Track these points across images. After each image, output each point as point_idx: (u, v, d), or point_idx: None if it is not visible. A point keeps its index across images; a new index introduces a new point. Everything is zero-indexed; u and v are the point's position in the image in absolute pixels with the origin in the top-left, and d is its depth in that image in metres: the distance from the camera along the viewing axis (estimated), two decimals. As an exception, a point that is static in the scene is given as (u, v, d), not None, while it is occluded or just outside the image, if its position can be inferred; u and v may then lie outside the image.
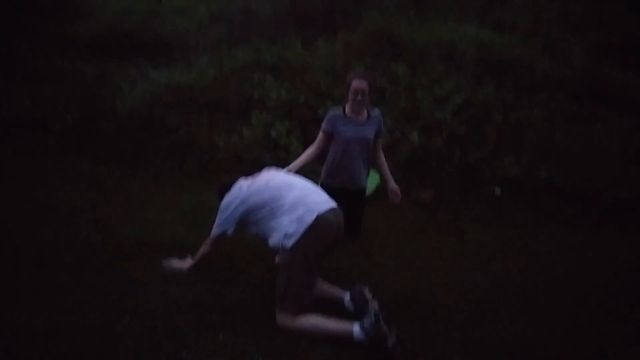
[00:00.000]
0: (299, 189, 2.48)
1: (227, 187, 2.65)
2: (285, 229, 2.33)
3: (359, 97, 2.95)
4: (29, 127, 6.01)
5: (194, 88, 6.50)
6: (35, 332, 2.06)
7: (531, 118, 4.93)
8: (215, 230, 2.60)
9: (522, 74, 5.84)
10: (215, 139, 5.48)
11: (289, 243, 2.31)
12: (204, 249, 2.71)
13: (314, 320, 2.24)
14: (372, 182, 4.59)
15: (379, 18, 7.18)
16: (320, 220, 2.31)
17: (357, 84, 2.95)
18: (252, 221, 2.53)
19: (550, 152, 4.72)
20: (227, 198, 2.60)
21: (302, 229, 2.29)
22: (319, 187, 2.75)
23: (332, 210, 2.40)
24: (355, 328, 2.15)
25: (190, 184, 4.83)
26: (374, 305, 2.30)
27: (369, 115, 3.08)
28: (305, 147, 4.46)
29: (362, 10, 8.54)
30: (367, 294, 2.38)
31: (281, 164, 3.45)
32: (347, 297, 2.49)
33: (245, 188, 2.57)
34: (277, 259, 2.88)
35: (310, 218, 2.30)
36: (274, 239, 2.43)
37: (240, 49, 7.63)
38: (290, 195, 2.42)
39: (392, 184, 3.17)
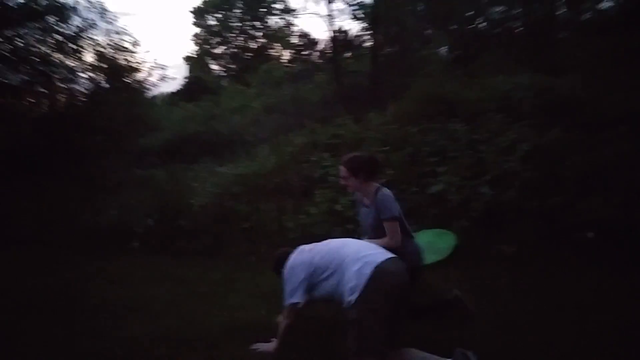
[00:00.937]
0: (355, 246, 2.58)
1: (282, 260, 2.81)
2: (347, 284, 2.37)
3: (341, 183, 3.04)
4: (117, 233, 6.50)
5: (258, 176, 6.82)
6: None
7: (611, 155, 4.62)
8: (287, 300, 2.66)
9: (589, 112, 5.61)
10: (284, 221, 5.61)
11: (353, 298, 2.32)
12: (282, 324, 2.74)
13: None
14: (448, 242, 4.43)
15: (427, 83, 7.35)
16: (379, 271, 2.33)
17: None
18: (316, 283, 2.60)
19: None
20: (290, 263, 2.73)
21: (363, 282, 2.31)
22: None
23: (390, 259, 2.43)
24: None
25: (266, 266, 4.87)
26: None
27: (375, 197, 2.97)
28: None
29: (407, 79, 8.80)
30: (472, 357, 2.26)
31: (351, 235, 3.47)
32: None
33: (307, 251, 2.72)
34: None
35: (368, 270, 2.33)
36: (337, 296, 2.47)
37: (296, 133, 8.02)
38: (348, 252, 2.50)
39: None
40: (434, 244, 4.48)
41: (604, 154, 4.67)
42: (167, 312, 3.79)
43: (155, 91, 14.15)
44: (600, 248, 4.01)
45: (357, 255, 2.44)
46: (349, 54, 14.41)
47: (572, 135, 5.09)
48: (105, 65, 11.07)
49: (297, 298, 2.60)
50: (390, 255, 2.47)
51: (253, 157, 7.95)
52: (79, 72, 10.81)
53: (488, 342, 2.77)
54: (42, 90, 10.52)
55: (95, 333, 3.31)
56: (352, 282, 2.34)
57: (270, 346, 2.81)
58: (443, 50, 14.70)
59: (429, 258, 4.27)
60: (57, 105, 10.84)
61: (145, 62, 11.97)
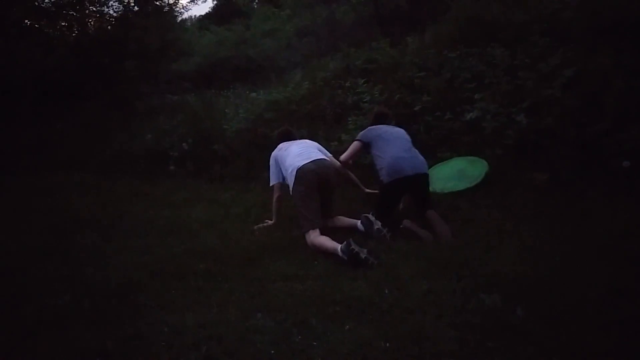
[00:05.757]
0: (299, 150, 3.74)
1: (280, 136, 4.22)
2: (287, 180, 3.67)
3: None
4: (153, 156, 6.78)
5: (291, 102, 6.80)
6: (185, 328, 2.33)
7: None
8: (271, 182, 3.91)
9: (643, 33, 5.18)
10: (317, 147, 5.66)
11: (290, 190, 3.62)
12: (274, 198, 3.92)
13: (319, 240, 3.30)
14: (480, 169, 4.41)
15: (468, 4, 6.89)
16: (300, 171, 3.53)
17: None
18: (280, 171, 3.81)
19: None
20: (272, 155, 3.94)
21: (292, 180, 3.56)
22: None
23: (312, 161, 3.59)
24: (339, 247, 3.07)
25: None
26: (377, 224, 3.35)
27: None
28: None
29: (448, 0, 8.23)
30: (371, 217, 3.40)
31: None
32: (359, 223, 3.50)
33: (277, 149, 3.93)
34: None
35: (295, 172, 3.54)
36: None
37: (330, 58, 7.82)
38: (293, 157, 3.66)
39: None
40: (466, 171, 4.48)
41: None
42: (205, 231, 4.04)
43: (185, 14, 13.91)
44: (636, 177, 3.91)
45: (295, 158, 3.62)
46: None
47: (621, 60, 4.76)
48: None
49: (273, 181, 3.87)
50: (314, 157, 3.63)
51: (285, 82, 7.88)
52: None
53: (514, 263, 2.85)
54: (73, 13, 10.50)
55: (144, 249, 3.60)
56: (288, 179, 3.63)
57: (269, 223, 3.96)
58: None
59: (461, 184, 4.32)
60: (87, 30, 10.84)
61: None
